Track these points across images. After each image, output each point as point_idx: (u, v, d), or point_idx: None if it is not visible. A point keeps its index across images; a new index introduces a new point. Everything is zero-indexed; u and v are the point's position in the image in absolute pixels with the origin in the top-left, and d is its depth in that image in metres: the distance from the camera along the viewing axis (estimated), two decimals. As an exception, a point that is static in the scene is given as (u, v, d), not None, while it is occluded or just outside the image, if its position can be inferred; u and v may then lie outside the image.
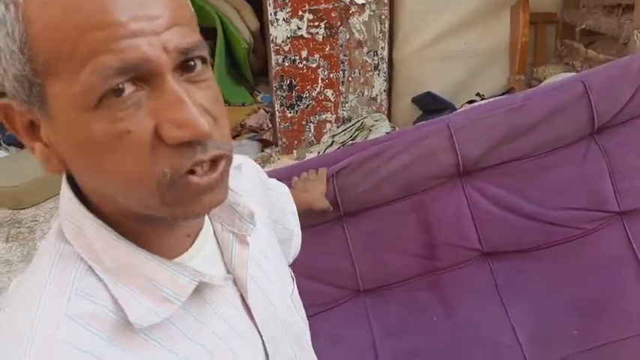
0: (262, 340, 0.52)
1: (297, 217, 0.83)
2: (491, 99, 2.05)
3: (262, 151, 3.06)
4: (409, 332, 1.12)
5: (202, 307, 0.46)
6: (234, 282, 0.50)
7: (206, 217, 0.50)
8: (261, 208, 0.62)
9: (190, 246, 0.47)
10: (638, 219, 1.10)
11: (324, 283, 1.16)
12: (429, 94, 2.75)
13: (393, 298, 1.15)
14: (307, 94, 2.84)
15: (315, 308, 1.16)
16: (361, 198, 1.15)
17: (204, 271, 0.46)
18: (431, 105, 2.75)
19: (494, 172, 1.15)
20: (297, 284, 1.24)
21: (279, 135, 2.92)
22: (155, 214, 0.41)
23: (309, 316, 1.18)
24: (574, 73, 1.93)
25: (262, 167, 0.97)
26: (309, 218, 0.94)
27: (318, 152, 2.46)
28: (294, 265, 1.18)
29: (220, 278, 0.48)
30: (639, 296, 1.09)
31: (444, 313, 1.12)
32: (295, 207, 0.83)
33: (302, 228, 1.18)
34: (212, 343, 0.46)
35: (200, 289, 0.45)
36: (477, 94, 2.73)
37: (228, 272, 0.50)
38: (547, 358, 1.07)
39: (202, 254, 0.48)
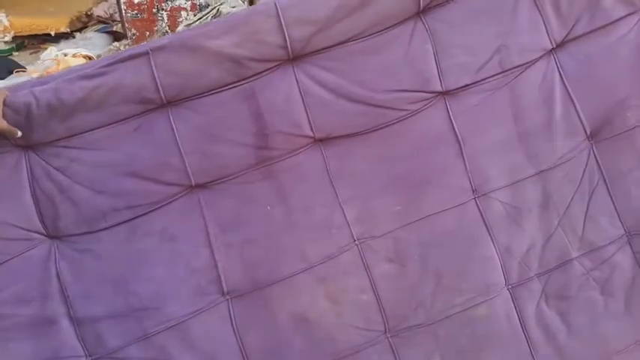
0: None
1: None
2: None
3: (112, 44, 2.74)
4: (243, 223, 1.11)
5: None
6: None
7: None
8: None
9: None
10: (458, 98, 1.14)
11: (152, 180, 1.09)
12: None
13: (227, 190, 1.11)
14: (157, -23, 2.52)
15: (144, 207, 1.09)
16: (185, 82, 1.06)
17: None
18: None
19: (324, 56, 1.10)
20: (121, 184, 1.14)
21: (127, 25, 2.61)
22: None
23: (138, 216, 1.12)
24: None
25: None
26: None
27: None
28: (116, 164, 1.09)
29: None
30: (459, 172, 1.16)
31: (278, 201, 1.11)
32: None
33: (119, 121, 1.07)
34: None
35: None
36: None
37: None
38: (372, 233, 1.12)
39: None
